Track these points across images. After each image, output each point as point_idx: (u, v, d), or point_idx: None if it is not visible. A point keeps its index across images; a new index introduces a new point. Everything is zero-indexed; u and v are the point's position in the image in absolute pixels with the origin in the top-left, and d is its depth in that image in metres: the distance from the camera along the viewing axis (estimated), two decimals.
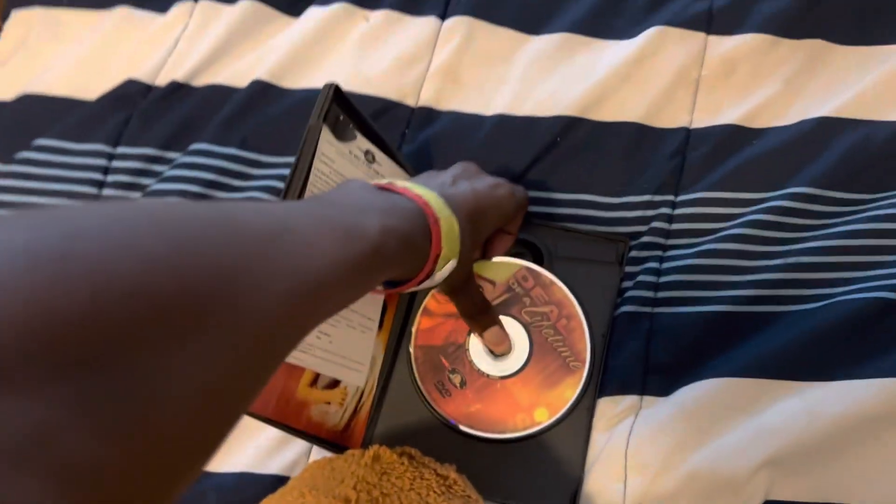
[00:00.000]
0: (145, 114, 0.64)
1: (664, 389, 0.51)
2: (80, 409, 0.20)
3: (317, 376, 0.46)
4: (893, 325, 0.49)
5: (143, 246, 0.23)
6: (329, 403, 0.47)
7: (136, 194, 0.61)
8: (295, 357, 0.44)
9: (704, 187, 0.56)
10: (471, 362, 0.52)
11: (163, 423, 0.22)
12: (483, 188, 0.48)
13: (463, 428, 0.50)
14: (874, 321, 0.49)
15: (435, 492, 0.37)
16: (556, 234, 0.56)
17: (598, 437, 0.50)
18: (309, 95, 0.63)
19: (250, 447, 0.50)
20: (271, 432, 0.51)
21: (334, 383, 0.48)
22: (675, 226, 0.56)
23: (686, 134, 0.59)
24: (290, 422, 0.45)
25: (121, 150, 0.63)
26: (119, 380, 0.21)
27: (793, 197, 0.54)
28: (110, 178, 0.62)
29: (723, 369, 0.50)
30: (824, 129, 0.57)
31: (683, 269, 0.54)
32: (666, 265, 0.54)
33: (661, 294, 0.53)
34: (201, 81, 0.66)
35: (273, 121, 0.62)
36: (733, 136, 0.58)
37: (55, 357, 0.19)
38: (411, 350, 0.52)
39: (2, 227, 0.22)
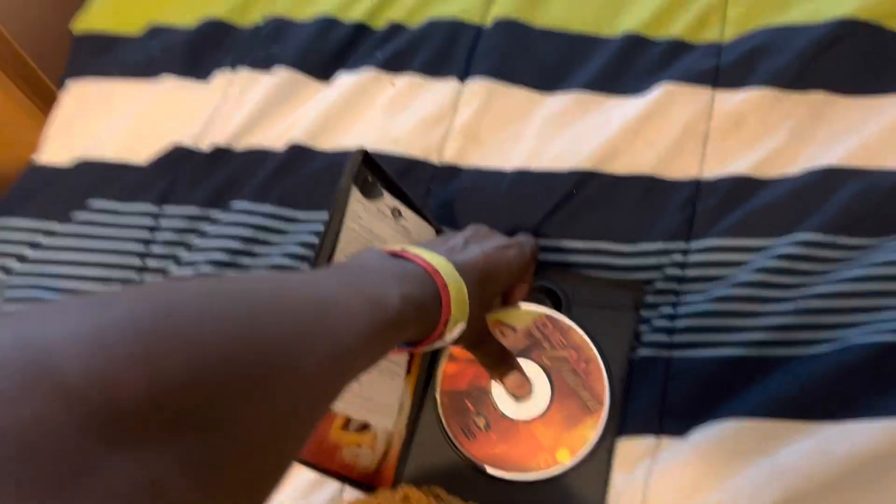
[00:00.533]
0: (190, 176, 0.69)
1: (681, 430, 0.52)
2: (185, 463, 0.23)
3: (348, 420, 0.49)
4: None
5: (228, 320, 0.27)
6: (360, 446, 0.50)
7: (181, 249, 0.65)
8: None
9: (715, 234, 0.58)
10: (494, 405, 0.54)
11: (245, 471, 0.26)
12: (492, 250, 0.51)
13: (489, 470, 0.52)
14: (884, 363, 0.51)
15: None
16: (574, 281, 0.59)
17: (617, 478, 0.52)
18: (340, 156, 0.67)
19: (288, 489, 0.53)
20: (307, 474, 0.54)
21: (364, 426, 0.51)
22: (688, 272, 0.58)
23: (696, 185, 0.61)
24: (324, 463, 0.48)
25: (167, 209, 0.68)
26: (214, 436, 0.24)
27: (800, 243, 0.56)
28: (158, 235, 0.67)
29: (738, 410, 0.51)
30: (830, 178, 0.59)
31: (697, 314, 0.56)
32: (680, 310, 0.56)
33: (677, 338, 0.55)
34: (241, 145, 0.70)
35: (307, 180, 0.67)
36: (742, 186, 0.60)
37: (164, 417, 0.23)
38: (437, 395, 0.55)
39: (107, 303, 0.25)
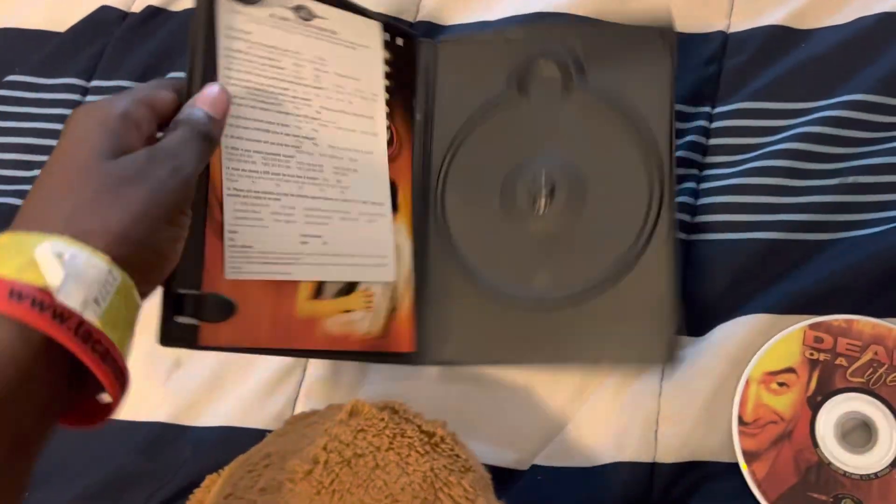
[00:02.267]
0: (120, 43, 0.59)
1: (699, 329, 0.45)
2: None
3: (318, 287, 0.41)
4: None
5: None
6: (350, 311, 0.42)
7: None
8: (282, 273, 0.39)
9: (745, 97, 0.50)
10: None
11: None
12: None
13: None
14: None
15: (417, 451, 0.32)
16: (579, 37, 0.47)
17: (627, 383, 0.44)
18: None
19: (232, 399, 0.46)
20: (253, 383, 0.46)
21: (350, 288, 0.42)
22: (714, 140, 0.49)
23: (723, 38, 0.52)
24: (298, 343, 0.40)
25: (95, 83, 0.58)
26: None
27: (848, 105, 0.48)
28: None
29: (765, 305, 0.44)
30: (885, 26, 0.50)
31: (723, 189, 0.47)
32: (704, 185, 0.48)
33: (699, 218, 0.47)
34: (180, 5, 0.61)
35: None
36: (778, 39, 0.51)
37: None
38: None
39: None
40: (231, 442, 0.44)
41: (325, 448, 0.32)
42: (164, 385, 0.47)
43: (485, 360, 0.45)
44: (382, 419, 0.33)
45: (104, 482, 0.45)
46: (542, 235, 0.46)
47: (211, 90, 0.35)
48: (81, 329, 0.26)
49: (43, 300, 0.25)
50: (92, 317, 0.26)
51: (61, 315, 0.25)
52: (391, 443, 0.32)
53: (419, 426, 0.33)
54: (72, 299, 0.25)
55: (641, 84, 0.46)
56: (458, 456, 0.33)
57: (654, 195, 0.45)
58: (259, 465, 0.34)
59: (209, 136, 0.34)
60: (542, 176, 0.46)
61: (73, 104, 0.57)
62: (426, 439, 0.33)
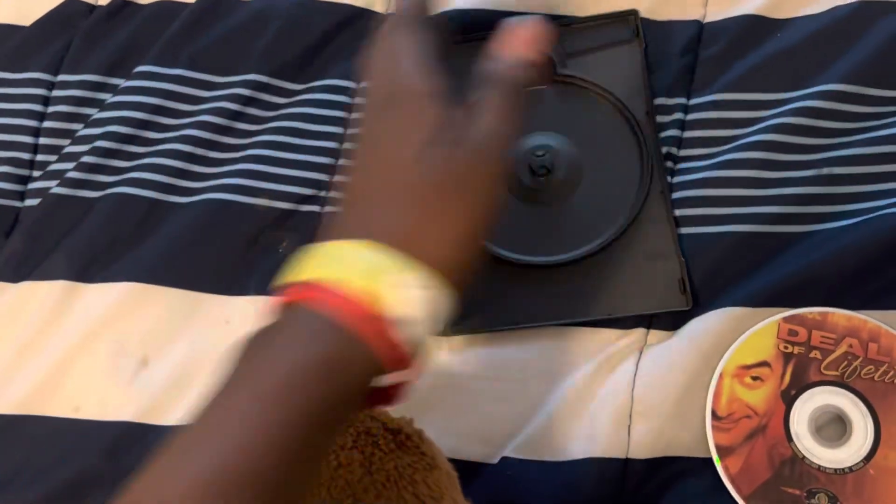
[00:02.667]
0: (87, 36, 0.57)
1: (673, 323, 0.44)
2: None
3: None
4: None
5: None
6: None
7: (79, 125, 0.54)
8: None
9: (720, 88, 0.49)
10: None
11: None
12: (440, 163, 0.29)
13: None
14: None
15: (381, 450, 0.31)
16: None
17: (600, 378, 0.43)
18: (264, 7, 0.56)
19: (199, 397, 0.45)
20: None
21: None
22: (688, 133, 0.48)
23: (698, 27, 0.51)
24: None
25: (62, 77, 0.57)
26: None
27: (824, 96, 0.47)
28: (51, 108, 0.56)
29: (739, 298, 0.43)
30: (863, 14, 0.49)
31: (698, 182, 0.47)
32: (678, 179, 0.47)
33: (675, 212, 0.46)
34: None
35: (225, 37, 0.55)
36: (754, 28, 0.50)
37: None
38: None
39: None
40: None
41: None
42: (130, 384, 0.46)
43: (506, 325, 0.45)
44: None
45: (68, 483, 0.44)
46: (546, 206, 0.48)
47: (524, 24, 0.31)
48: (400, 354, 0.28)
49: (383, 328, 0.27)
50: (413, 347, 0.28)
51: (392, 343, 0.27)
52: (355, 441, 0.31)
53: (384, 423, 0.33)
54: (410, 333, 0.27)
55: (616, 69, 0.49)
56: (423, 453, 0.33)
57: (645, 159, 0.47)
58: None
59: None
60: (541, 152, 0.47)
61: (38, 99, 0.56)
62: (391, 437, 0.32)
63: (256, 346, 0.28)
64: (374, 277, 0.27)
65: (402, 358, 0.28)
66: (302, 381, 0.26)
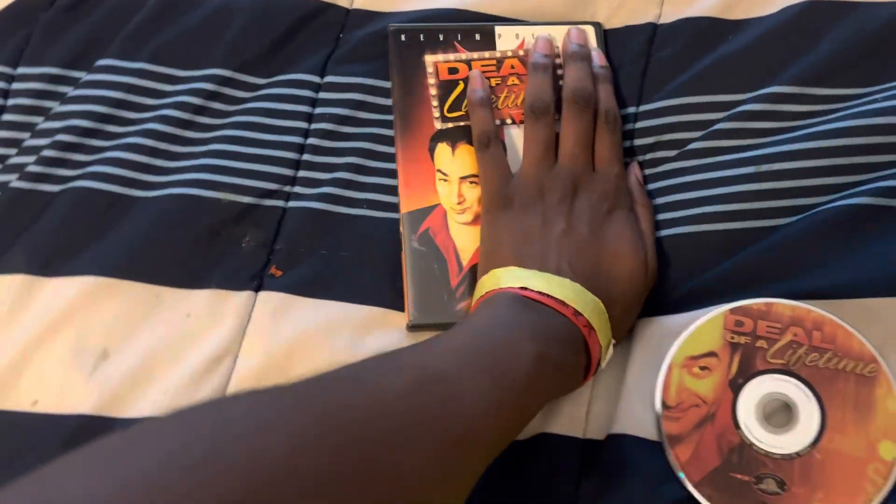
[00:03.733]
0: (48, 29, 0.57)
1: None
2: None
3: None
4: (884, 234, 0.43)
5: (291, 424, 0.25)
6: None
7: (39, 118, 0.54)
8: None
9: (671, 94, 0.50)
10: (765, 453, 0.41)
11: None
12: (609, 225, 0.45)
13: None
14: (861, 230, 0.44)
15: None
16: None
17: None
18: (228, 1, 0.56)
19: (159, 390, 0.45)
20: (181, 373, 0.45)
21: None
22: (639, 141, 0.50)
23: (652, 30, 0.52)
24: None
25: (21, 70, 0.56)
26: None
27: (766, 98, 0.48)
28: (11, 101, 0.55)
29: (686, 292, 0.45)
30: (812, 16, 0.50)
31: (653, 192, 0.48)
32: None
33: None
34: None
35: (188, 32, 0.55)
36: (707, 31, 0.51)
37: None
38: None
39: (137, 444, 0.24)
40: None
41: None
42: (90, 376, 0.46)
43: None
44: None
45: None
46: None
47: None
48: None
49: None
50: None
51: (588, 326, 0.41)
52: None
53: None
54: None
55: None
56: None
57: None
58: None
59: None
60: None
61: None
62: None
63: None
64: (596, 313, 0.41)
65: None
66: (546, 341, 0.38)
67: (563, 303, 0.40)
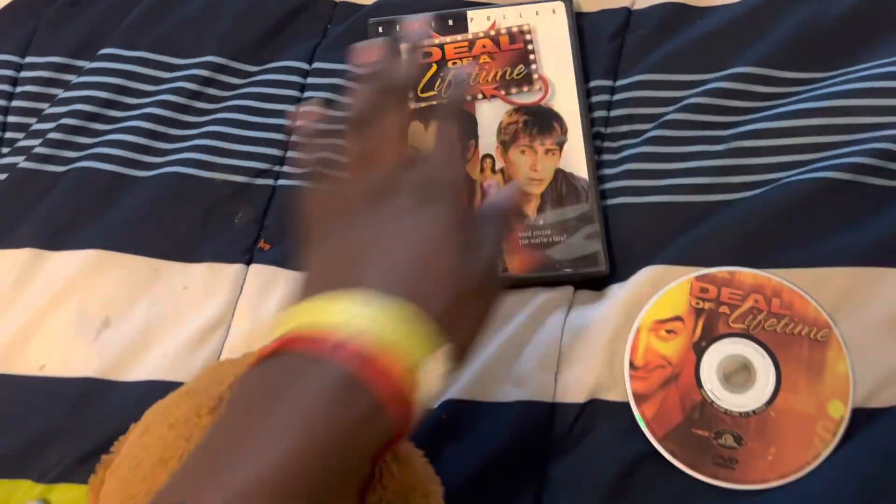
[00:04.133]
0: (53, 20, 0.60)
1: (598, 283, 0.48)
2: None
3: None
4: (838, 207, 0.46)
5: None
6: None
7: (45, 104, 0.57)
8: None
9: (644, 70, 0.53)
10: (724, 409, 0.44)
11: None
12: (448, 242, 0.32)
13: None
14: (818, 203, 0.46)
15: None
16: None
17: (531, 329, 0.47)
18: None
19: (158, 355, 0.48)
20: (179, 339, 0.48)
21: None
22: (615, 112, 0.52)
23: (627, 14, 0.55)
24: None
25: (29, 59, 0.59)
26: None
27: (735, 77, 0.51)
28: (19, 88, 0.58)
29: (657, 259, 0.47)
30: (774, 4, 0.53)
31: (625, 159, 0.51)
32: (606, 157, 0.51)
33: (607, 185, 0.50)
34: None
35: (185, 22, 0.58)
36: (677, 15, 0.54)
37: None
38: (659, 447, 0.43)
39: None
40: (157, 395, 0.45)
41: (231, 387, 0.34)
42: (93, 343, 0.49)
43: None
44: None
45: (35, 436, 0.46)
46: None
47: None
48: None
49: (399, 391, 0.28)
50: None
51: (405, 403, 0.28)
52: None
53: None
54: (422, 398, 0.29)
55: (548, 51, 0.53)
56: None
57: None
58: (171, 406, 0.36)
59: None
60: None
61: (6, 80, 0.58)
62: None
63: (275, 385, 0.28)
64: (409, 349, 0.28)
65: (410, 422, 0.29)
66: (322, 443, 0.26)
67: (334, 341, 0.28)
